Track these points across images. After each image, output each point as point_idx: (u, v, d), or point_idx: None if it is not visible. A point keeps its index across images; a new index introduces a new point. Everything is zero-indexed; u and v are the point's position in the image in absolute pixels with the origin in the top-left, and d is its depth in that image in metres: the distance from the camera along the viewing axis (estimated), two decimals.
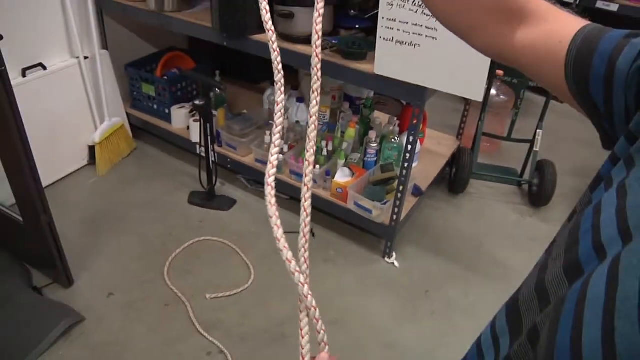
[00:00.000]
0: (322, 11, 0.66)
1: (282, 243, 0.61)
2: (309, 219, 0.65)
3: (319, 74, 0.67)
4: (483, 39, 0.68)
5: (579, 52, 0.57)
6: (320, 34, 0.66)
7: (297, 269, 0.61)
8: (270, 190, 0.63)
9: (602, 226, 0.47)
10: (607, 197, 0.49)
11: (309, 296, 0.62)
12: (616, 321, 0.39)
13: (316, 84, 0.67)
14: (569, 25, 0.61)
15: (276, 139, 0.66)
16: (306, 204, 0.65)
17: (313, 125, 0.68)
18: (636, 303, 0.38)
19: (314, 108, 0.68)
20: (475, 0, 0.64)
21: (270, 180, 0.63)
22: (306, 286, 0.62)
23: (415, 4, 1.76)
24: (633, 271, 0.40)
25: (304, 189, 0.65)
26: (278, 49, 0.66)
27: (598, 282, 0.42)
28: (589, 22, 0.61)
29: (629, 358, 0.37)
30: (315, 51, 0.66)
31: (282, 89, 0.67)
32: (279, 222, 0.61)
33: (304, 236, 0.64)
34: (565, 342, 0.42)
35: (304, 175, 0.66)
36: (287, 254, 0.61)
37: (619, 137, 0.53)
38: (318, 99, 0.68)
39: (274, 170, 0.64)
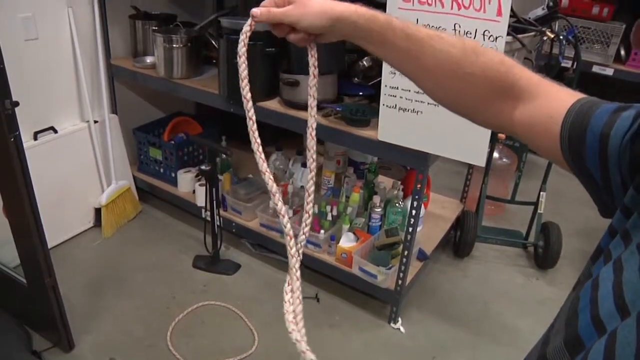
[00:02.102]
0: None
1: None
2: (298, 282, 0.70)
3: (314, 133, 0.79)
4: (482, 118, 0.71)
5: (572, 130, 0.59)
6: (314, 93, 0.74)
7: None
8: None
9: (600, 301, 0.48)
10: (604, 272, 0.50)
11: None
12: None
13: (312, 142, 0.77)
14: (559, 99, 0.63)
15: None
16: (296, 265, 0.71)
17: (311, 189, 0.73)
18: None
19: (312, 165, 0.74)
20: (468, 85, 0.67)
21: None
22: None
23: None
24: (628, 348, 0.41)
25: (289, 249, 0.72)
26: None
27: (596, 357, 0.43)
28: (580, 96, 0.63)
29: None
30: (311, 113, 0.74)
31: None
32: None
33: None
34: None
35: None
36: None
37: (618, 208, 0.55)
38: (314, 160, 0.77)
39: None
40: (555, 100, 0.63)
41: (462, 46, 0.66)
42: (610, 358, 0.42)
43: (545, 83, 0.66)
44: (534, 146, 0.67)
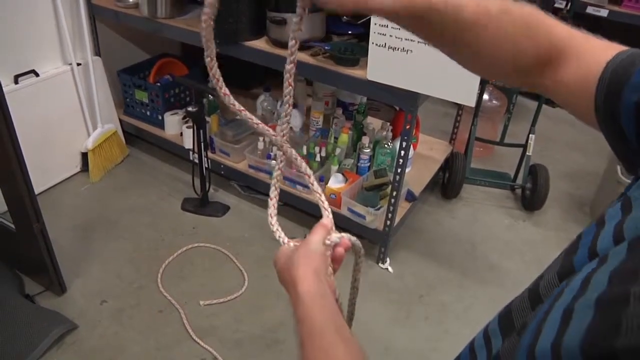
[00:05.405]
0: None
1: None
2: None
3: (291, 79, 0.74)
4: (512, 82, 0.68)
5: (610, 86, 0.55)
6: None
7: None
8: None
9: (600, 237, 0.48)
10: (612, 211, 0.49)
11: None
12: (576, 305, 0.41)
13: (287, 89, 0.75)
14: (593, 56, 0.59)
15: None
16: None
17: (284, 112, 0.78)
18: (600, 291, 0.39)
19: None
20: (504, 58, 0.62)
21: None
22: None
23: None
24: (608, 268, 0.41)
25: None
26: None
27: (580, 276, 0.44)
28: (618, 48, 0.58)
29: (578, 340, 0.38)
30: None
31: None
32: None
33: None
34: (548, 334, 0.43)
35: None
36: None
37: None
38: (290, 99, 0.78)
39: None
40: (590, 57, 0.59)
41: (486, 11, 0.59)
42: (589, 277, 0.42)
43: (577, 37, 0.61)
44: (564, 105, 0.63)
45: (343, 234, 0.71)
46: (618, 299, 0.37)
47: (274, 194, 0.77)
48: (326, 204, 0.74)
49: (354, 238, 0.73)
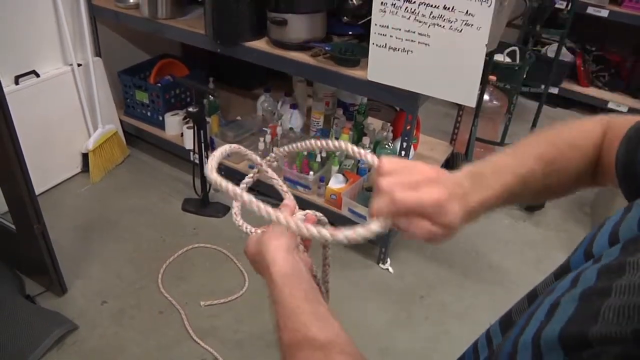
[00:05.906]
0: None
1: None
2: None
3: None
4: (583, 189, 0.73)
5: (628, 146, 0.58)
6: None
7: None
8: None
9: (597, 238, 0.49)
10: (614, 216, 0.50)
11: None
12: (562, 299, 0.42)
13: None
14: (620, 136, 0.61)
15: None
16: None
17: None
18: (587, 286, 0.41)
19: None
20: (569, 182, 0.68)
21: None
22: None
23: (407, 11, 1.77)
24: (598, 265, 0.43)
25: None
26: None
27: (572, 274, 0.45)
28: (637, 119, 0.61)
29: (559, 329, 0.39)
30: None
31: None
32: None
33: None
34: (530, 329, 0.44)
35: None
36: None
37: None
38: None
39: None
40: (617, 139, 0.62)
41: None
42: (579, 275, 0.44)
43: (610, 132, 0.65)
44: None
45: (307, 211, 0.74)
46: (601, 292, 0.38)
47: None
48: (284, 186, 0.80)
49: (319, 213, 0.75)
